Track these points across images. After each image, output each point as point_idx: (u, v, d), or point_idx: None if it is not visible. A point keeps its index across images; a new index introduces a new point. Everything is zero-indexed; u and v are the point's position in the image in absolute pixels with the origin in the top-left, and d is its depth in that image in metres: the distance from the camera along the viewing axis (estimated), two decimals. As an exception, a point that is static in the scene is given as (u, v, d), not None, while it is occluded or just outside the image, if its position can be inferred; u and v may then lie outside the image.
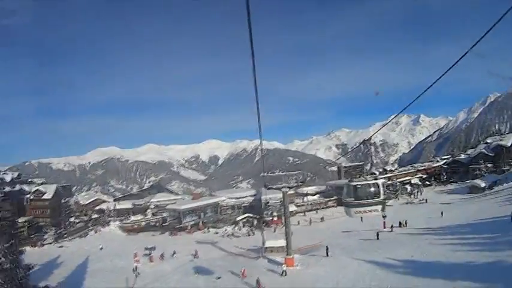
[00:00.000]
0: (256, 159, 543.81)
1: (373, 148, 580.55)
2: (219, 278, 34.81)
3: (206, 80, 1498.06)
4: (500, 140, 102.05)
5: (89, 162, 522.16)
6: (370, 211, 18.18)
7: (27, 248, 38.66)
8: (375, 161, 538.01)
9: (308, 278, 31.75)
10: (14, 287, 16.44)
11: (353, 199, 18.57)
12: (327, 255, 38.16)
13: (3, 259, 15.08)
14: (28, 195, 72.29)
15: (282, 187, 40.35)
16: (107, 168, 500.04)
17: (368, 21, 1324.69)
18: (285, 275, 33.26)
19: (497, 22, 7.56)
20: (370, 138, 26.03)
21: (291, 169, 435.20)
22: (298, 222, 70.10)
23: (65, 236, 66.36)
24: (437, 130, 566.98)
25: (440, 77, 9.76)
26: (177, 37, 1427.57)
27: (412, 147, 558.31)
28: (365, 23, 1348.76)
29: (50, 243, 62.12)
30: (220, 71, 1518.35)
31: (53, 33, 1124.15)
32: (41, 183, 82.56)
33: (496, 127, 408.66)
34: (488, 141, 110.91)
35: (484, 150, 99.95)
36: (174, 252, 49.90)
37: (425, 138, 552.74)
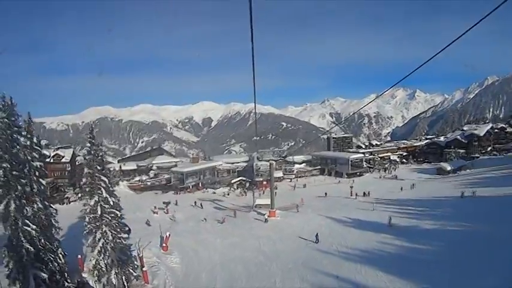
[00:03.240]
0: (250, 122, 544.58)
1: (366, 119, 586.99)
2: (222, 223, 48.10)
3: (202, 41, 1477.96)
4: (475, 130, 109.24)
5: (83, 122, 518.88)
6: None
7: (57, 206, 40.32)
8: (367, 132, 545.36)
9: (283, 225, 45.23)
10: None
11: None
12: (297, 211, 52.26)
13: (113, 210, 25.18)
14: (48, 159, 76.42)
15: (269, 160, 52.85)
16: (101, 128, 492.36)
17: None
18: (267, 221, 46.93)
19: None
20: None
21: (284, 134, 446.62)
22: (276, 187, 73.77)
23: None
24: (432, 107, 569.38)
25: (440, 51, 9.54)
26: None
27: (405, 122, 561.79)
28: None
29: (75, 201, 67.90)
30: (217, 32, 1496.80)
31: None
32: (47, 145, 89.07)
33: (491, 110, 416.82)
34: (465, 128, 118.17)
35: (458, 137, 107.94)
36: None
37: (420, 114, 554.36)
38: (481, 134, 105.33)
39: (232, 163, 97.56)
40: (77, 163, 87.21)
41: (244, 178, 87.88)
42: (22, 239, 18.91)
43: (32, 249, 19.31)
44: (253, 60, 9.89)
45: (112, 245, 23.62)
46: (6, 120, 19.27)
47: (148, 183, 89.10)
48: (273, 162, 53.21)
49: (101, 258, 23.31)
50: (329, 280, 26.22)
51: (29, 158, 20.80)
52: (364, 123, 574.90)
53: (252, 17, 7.28)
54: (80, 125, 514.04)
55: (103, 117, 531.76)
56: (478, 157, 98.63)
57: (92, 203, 23.00)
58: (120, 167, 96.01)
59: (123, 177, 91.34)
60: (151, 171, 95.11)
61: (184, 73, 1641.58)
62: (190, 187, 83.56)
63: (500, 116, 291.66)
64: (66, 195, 73.15)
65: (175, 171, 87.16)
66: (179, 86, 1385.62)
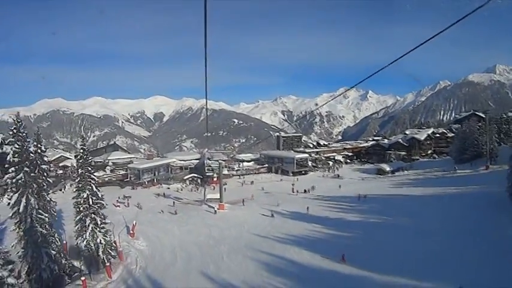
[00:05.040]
0: (202, 118, 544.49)
1: (318, 118, 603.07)
2: (175, 214, 55.69)
3: (155, 34, 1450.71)
4: (416, 134, 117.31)
5: (34, 114, 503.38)
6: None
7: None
8: (318, 131, 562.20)
9: (230, 216, 53.60)
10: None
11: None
12: (243, 204, 60.76)
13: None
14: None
15: (218, 160, 60.78)
16: (52, 121, 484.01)
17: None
18: (216, 213, 55.27)
19: (472, 12, 7.30)
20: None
21: (235, 131, 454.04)
22: (226, 183, 79.47)
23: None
24: (384, 108, 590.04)
25: (400, 57, 9.54)
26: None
27: (357, 122, 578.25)
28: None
29: (40, 196, 73.19)
30: (170, 26, 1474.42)
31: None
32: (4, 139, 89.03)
33: (441, 114, 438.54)
34: (407, 132, 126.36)
35: (400, 140, 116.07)
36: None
37: (371, 114, 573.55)
38: (422, 138, 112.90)
39: (185, 160, 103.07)
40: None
41: (196, 175, 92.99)
42: (36, 224, 25.62)
43: (45, 232, 26.12)
44: (206, 56, 9.49)
45: (99, 229, 30.81)
46: (24, 134, 25.82)
47: (106, 179, 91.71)
48: (223, 162, 61.03)
49: (90, 239, 30.35)
50: (265, 256, 34.27)
51: (38, 162, 27.39)
52: (315, 122, 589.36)
53: (207, 11, 7.14)
54: (31, 118, 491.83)
55: (55, 110, 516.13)
56: (417, 159, 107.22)
57: (85, 195, 30.03)
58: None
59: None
60: (108, 167, 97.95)
61: (136, 66, 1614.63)
62: (146, 183, 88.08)
63: (451, 119, 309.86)
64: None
65: (132, 168, 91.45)
66: (131, 80, 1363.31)
